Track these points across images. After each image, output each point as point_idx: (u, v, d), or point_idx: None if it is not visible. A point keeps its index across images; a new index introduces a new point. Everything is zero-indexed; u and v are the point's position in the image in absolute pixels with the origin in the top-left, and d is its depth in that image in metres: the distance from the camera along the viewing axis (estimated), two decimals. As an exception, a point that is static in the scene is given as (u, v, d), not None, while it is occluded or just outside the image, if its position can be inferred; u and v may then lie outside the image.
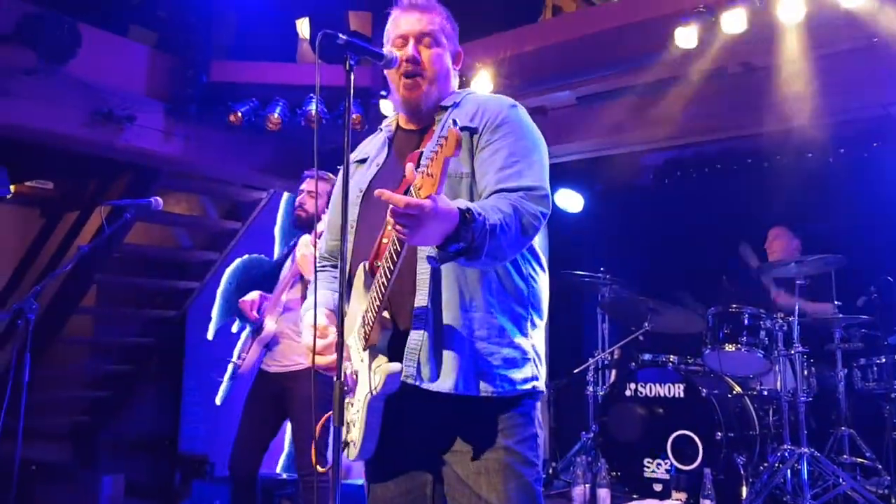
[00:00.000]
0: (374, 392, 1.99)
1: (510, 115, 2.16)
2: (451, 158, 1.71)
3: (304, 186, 4.26)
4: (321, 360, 2.13)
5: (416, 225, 1.75)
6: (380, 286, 1.96)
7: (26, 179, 7.40)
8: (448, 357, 2.01)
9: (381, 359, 2.02)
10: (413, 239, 1.81)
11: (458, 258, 1.87)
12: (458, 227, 1.81)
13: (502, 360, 2.06)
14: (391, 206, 1.75)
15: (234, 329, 4.42)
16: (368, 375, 2.02)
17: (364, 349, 2.06)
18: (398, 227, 1.77)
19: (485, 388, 2.03)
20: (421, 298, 2.02)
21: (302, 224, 4.23)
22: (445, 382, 2.00)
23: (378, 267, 2.02)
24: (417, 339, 2.01)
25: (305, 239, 3.91)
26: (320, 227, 3.93)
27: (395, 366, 1.98)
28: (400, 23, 2.25)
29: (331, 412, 2.14)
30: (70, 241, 6.77)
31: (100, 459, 7.70)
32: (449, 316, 2.03)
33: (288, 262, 4.34)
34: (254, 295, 4.28)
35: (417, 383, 1.99)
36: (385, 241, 2.06)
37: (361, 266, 2.13)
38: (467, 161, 2.10)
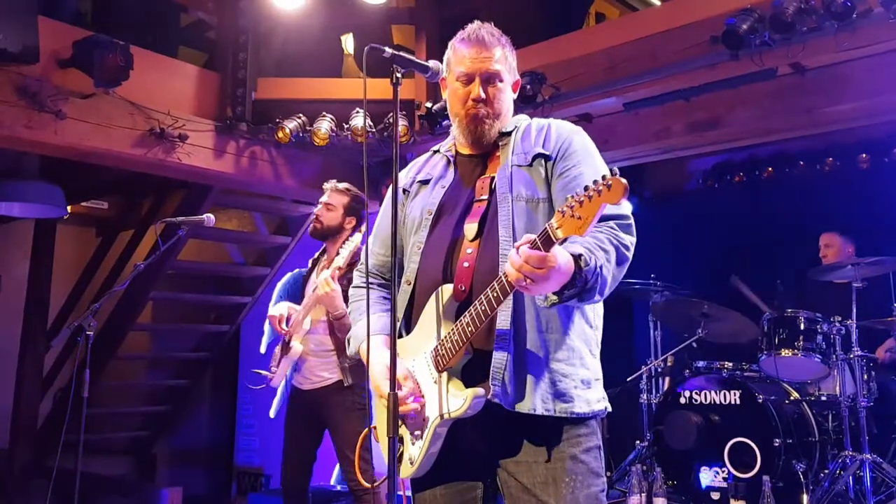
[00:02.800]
0: (448, 416, 2.01)
1: (579, 142, 2.22)
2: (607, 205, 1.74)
3: (323, 199, 4.29)
4: (403, 409, 2.09)
5: (541, 279, 1.80)
6: (479, 313, 1.97)
7: (82, 200, 7.57)
8: (529, 378, 2.04)
9: (459, 383, 2.05)
10: (535, 291, 1.87)
11: (571, 300, 1.92)
12: (574, 274, 1.85)
13: (580, 381, 2.10)
14: (519, 259, 1.79)
15: (262, 349, 4.49)
16: (441, 398, 2.04)
17: (440, 372, 2.07)
18: (526, 281, 1.80)
19: (563, 409, 2.06)
20: (504, 320, 2.04)
21: (316, 234, 4.27)
22: (527, 403, 2.03)
23: (463, 291, 2.07)
24: (501, 359, 2.03)
25: (326, 275, 3.95)
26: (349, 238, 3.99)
27: (480, 390, 2.01)
28: (464, 58, 2.24)
29: (371, 427, 2.16)
30: (126, 259, 6.92)
31: (158, 473, 7.83)
32: (529, 338, 2.06)
33: (313, 278, 4.36)
34: (283, 308, 4.30)
35: (503, 403, 2.01)
36: (466, 265, 2.11)
37: (443, 288, 2.13)
38: (543, 187, 2.16)
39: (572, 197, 1.77)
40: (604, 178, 1.73)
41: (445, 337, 2.06)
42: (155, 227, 4.80)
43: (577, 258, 1.86)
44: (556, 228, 1.77)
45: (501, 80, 2.25)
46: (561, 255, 1.82)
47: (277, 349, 4.34)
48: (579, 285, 1.87)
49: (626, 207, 2.11)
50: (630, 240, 2.07)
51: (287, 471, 4.22)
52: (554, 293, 1.88)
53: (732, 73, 4.82)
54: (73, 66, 4.97)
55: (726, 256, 6.41)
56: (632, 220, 2.11)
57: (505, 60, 2.26)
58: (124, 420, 7.97)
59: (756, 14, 4.32)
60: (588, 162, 2.16)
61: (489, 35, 2.25)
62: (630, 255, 2.06)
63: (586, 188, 1.75)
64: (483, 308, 1.96)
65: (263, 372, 4.35)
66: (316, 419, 4.17)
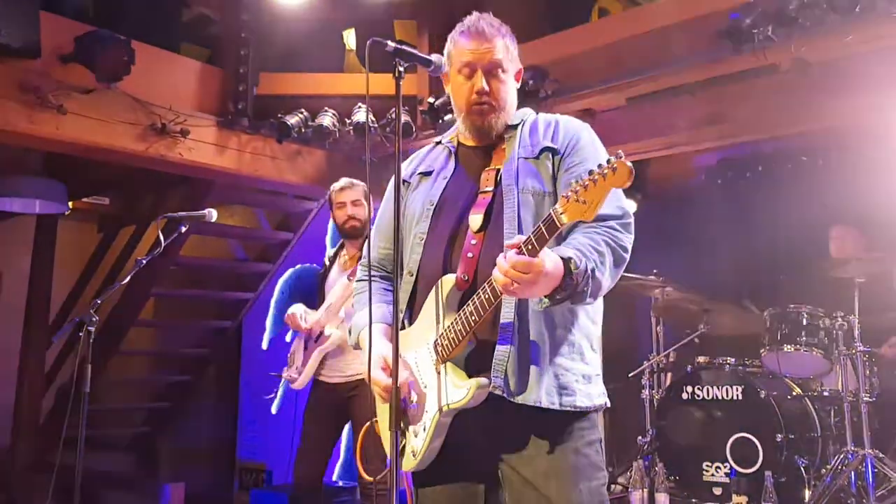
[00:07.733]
0: (448, 407, 2.01)
1: (586, 138, 2.22)
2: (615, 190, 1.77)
3: (351, 198, 4.25)
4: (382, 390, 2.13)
5: (528, 284, 1.81)
6: (483, 302, 1.96)
7: (84, 196, 7.56)
8: (532, 371, 2.04)
9: (461, 373, 2.04)
10: (523, 295, 1.89)
11: (563, 302, 1.93)
12: (564, 277, 1.86)
13: (581, 375, 2.10)
14: (506, 264, 1.81)
15: (288, 338, 4.45)
16: (443, 389, 2.04)
17: (441, 362, 2.07)
18: (513, 286, 1.82)
19: (567, 403, 2.06)
20: (507, 312, 2.04)
21: (356, 233, 4.24)
22: (530, 395, 2.02)
23: (466, 281, 2.07)
24: (504, 352, 2.03)
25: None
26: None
27: (484, 380, 2.01)
28: (465, 51, 2.23)
29: (373, 420, 2.16)
30: (127, 254, 6.91)
31: (160, 468, 7.83)
32: (532, 331, 2.06)
33: (335, 271, 4.35)
34: (299, 308, 4.30)
35: (505, 395, 2.01)
36: (470, 255, 2.10)
37: (444, 280, 2.12)
38: (549, 181, 2.15)
39: (577, 181, 1.77)
40: (609, 161, 1.73)
41: (448, 327, 2.05)
42: (157, 223, 4.78)
43: (566, 261, 1.86)
44: (561, 213, 1.78)
45: (504, 71, 2.24)
46: (549, 260, 1.82)
47: (298, 348, 4.31)
48: (569, 289, 1.88)
49: (626, 206, 2.12)
50: (628, 240, 2.07)
51: (301, 465, 4.20)
52: (545, 296, 1.89)
53: (736, 69, 4.81)
54: (74, 61, 4.96)
55: (729, 252, 6.39)
56: (631, 220, 2.11)
57: (506, 50, 2.25)
58: (126, 415, 7.98)
59: (759, 9, 4.31)
60: (596, 158, 2.15)
61: (489, 26, 2.24)
62: (627, 255, 2.06)
63: (591, 172, 1.75)
64: (486, 297, 1.96)
65: (286, 375, 4.33)
66: (341, 413, 4.16)
